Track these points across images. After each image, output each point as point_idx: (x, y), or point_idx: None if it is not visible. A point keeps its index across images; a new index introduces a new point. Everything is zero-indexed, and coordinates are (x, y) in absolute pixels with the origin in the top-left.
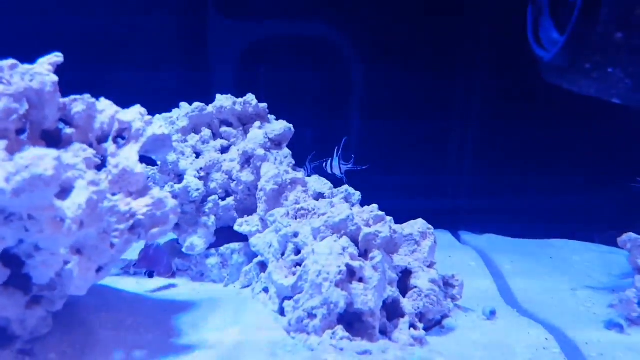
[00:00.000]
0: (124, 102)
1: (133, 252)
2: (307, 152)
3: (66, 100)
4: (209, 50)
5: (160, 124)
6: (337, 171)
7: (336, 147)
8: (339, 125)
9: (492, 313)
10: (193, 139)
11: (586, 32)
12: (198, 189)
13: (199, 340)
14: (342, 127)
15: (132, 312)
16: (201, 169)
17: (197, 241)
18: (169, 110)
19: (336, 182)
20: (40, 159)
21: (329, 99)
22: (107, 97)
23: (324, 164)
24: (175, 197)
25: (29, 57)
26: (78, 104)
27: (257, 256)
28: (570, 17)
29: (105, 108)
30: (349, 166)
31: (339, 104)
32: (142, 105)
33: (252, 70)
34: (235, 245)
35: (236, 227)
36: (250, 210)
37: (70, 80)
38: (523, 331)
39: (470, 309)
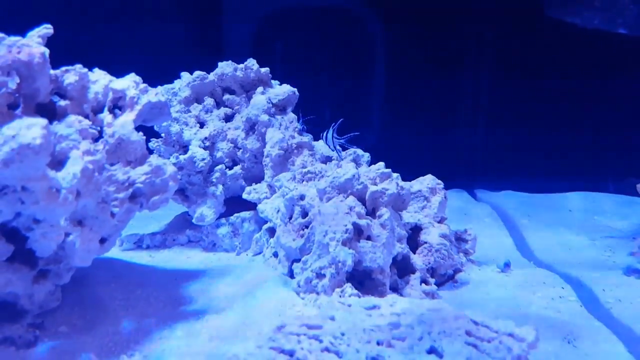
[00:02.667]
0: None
1: (145, 227)
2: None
3: (57, 71)
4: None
5: (156, 92)
6: (330, 144)
7: (333, 123)
8: (355, 86)
9: (507, 265)
10: (196, 108)
11: None
12: (204, 159)
13: (209, 305)
14: (358, 88)
15: (142, 283)
16: (206, 138)
17: (206, 211)
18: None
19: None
20: (27, 128)
21: (346, 63)
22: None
23: (321, 135)
24: (181, 168)
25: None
26: (70, 74)
27: (267, 223)
28: None
29: (99, 78)
30: (341, 141)
31: (354, 66)
32: (154, 83)
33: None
34: (245, 214)
35: (245, 195)
36: (259, 178)
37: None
38: (538, 282)
39: (484, 263)
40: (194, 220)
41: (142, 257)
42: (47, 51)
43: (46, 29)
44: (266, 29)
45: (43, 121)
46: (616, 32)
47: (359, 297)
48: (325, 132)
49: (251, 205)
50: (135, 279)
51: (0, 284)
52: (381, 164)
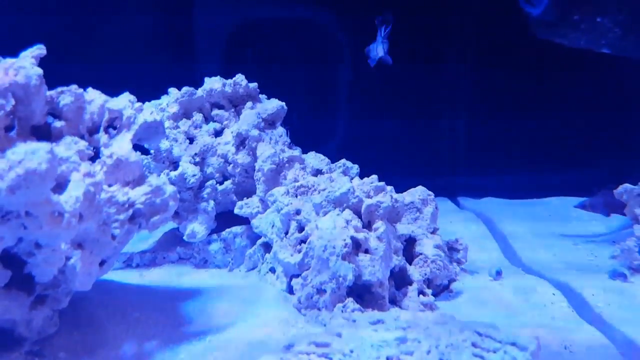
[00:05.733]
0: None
1: (133, 245)
2: (296, 131)
3: (53, 92)
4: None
5: (151, 111)
6: (381, 53)
7: (379, 30)
8: (331, 101)
9: (498, 273)
10: (185, 124)
11: None
12: (194, 175)
13: (209, 325)
14: (335, 101)
15: (139, 305)
16: (196, 154)
17: (197, 228)
18: (157, 98)
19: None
20: (32, 153)
21: (320, 76)
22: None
23: (367, 50)
24: (171, 184)
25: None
26: (66, 96)
27: (259, 238)
28: None
29: (94, 98)
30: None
31: (331, 80)
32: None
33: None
34: (237, 229)
35: (236, 210)
36: (249, 192)
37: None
38: (530, 288)
39: (476, 272)
40: (185, 237)
41: (133, 277)
42: (42, 72)
43: (39, 50)
44: (238, 37)
45: (47, 145)
46: (600, 51)
47: (361, 311)
48: (374, 44)
49: (241, 220)
50: (132, 300)
51: None
52: (374, 176)
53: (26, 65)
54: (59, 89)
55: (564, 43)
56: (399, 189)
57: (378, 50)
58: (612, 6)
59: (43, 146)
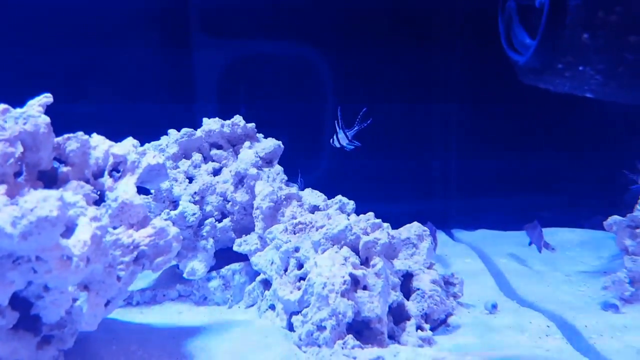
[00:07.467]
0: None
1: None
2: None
3: (60, 139)
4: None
5: (154, 154)
6: (344, 142)
7: (335, 121)
8: (323, 132)
9: (494, 307)
10: (184, 164)
11: (556, 36)
12: (194, 214)
13: None
14: (326, 134)
15: (141, 343)
16: (195, 193)
17: (197, 265)
18: (151, 133)
19: (331, 190)
20: (44, 201)
21: (311, 105)
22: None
23: (331, 141)
24: (172, 223)
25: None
26: (72, 142)
27: (258, 275)
28: (540, 22)
29: (99, 143)
30: (355, 128)
31: (319, 109)
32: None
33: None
34: (235, 266)
35: (235, 248)
36: (248, 230)
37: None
38: (525, 321)
39: (472, 305)
40: (185, 275)
41: (134, 314)
42: (49, 120)
43: (46, 98)
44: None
45: (57, 193)
46: (583, 95)
47: (361, 348)
48: (334, 135)
49: (240, 256)
50: (134, 338)
51: (6, 353)
52: (371, 214)
53: (34, 114)
54: (66, 136)
55: (549, 88)
56: (392, 221)
57: (340, 140)
58: (593, 57)
59: (54, 194)
